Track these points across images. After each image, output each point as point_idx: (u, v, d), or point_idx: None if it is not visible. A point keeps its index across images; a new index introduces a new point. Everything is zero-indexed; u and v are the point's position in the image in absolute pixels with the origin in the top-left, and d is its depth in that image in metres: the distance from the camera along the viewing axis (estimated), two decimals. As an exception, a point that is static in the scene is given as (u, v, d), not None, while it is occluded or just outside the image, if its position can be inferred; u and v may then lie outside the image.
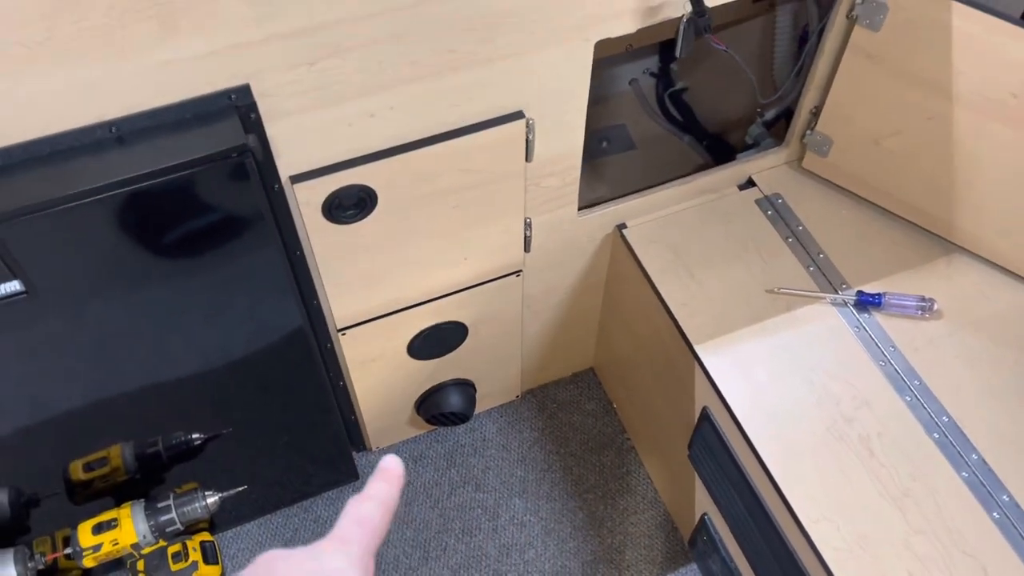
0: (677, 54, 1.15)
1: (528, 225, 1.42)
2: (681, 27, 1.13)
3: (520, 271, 1.50)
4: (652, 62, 1.98)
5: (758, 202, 1.54)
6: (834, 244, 1.47)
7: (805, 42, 1.56)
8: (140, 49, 0.91)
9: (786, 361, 1.34)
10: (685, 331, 1.37)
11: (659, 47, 1.94)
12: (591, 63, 1.19)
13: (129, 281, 1.13)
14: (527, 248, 1.46)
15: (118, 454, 1.44)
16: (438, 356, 1.60)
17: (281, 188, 1.14)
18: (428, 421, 1.72)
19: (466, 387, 1.72)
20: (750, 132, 1.68)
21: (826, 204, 1.52)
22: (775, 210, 1.52)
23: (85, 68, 0.91)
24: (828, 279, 1.43)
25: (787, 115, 1.63)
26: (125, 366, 1.28)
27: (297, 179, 1.13)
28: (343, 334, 1.44)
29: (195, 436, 1.48)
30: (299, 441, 1.62)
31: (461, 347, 1.61)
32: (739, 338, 1.37)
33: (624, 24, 1.16)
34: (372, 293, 1.38)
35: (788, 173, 1.57)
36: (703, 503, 1.54)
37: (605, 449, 1.82)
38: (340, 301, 1.36)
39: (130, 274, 1.12)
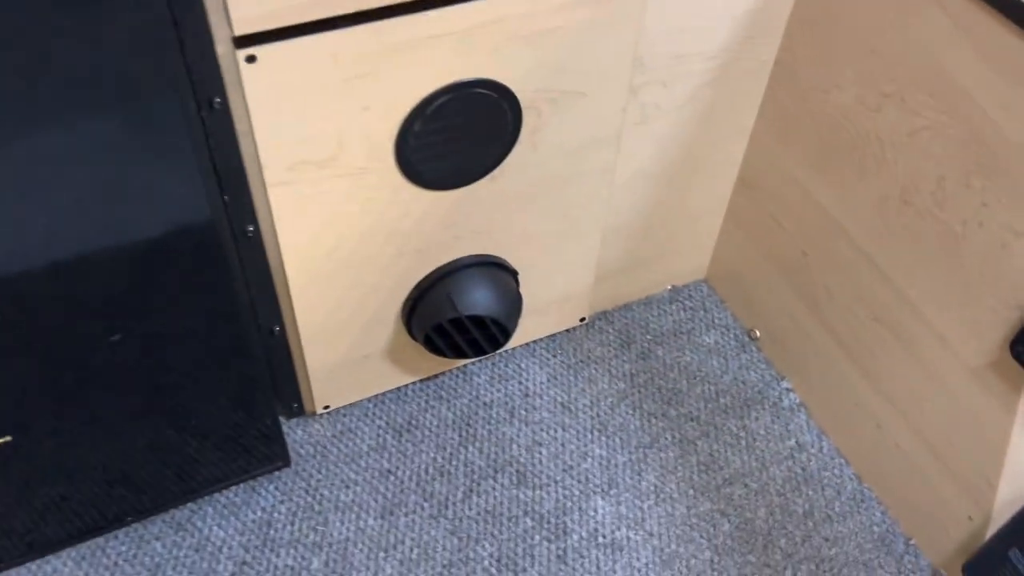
0: None
1: None
2: None
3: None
4: None
5: None
6: None
7: None
8: None
9: None
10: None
11: None
12: None
13: None
14: None
15: None
16: (457, 181, 0.78)
17: None
18: (429, 345, 0.88)
19: (501, 276, 0.89)
20: None
21: None
22: None
23: None
24: None
25: None
26: None
27: None
28: (250, 59, 0.61)
29: None
30: (177, 398, 0.77)
31: (502, 170, 0.79)
32: None
33: None
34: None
35: None
36: (1033, 474, 0.72)
37: (750, 409, 1.00)
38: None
39: None
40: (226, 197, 0.72)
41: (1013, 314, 0.70)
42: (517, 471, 0.93)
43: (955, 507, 0.82)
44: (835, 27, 0.80)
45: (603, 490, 0.92)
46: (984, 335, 0.73)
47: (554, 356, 1.03)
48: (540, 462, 0.94)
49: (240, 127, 0.67)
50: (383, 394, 0.98)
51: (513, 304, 0.89)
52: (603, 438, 0.96)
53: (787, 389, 1.01)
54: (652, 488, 0.92)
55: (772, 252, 0.99)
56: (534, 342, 1.04)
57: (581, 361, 1.03)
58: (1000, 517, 0.77)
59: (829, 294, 0.91)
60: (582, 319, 1.05)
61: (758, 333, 1.05)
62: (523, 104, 0.75)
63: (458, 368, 1.01)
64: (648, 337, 1.06)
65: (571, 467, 0.94)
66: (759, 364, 1.04)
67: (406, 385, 0.99)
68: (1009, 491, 0.76)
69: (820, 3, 0.81)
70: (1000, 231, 0.69)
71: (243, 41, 0.60)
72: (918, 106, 0.74)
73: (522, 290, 0.94)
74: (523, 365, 1.02)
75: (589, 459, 0.95)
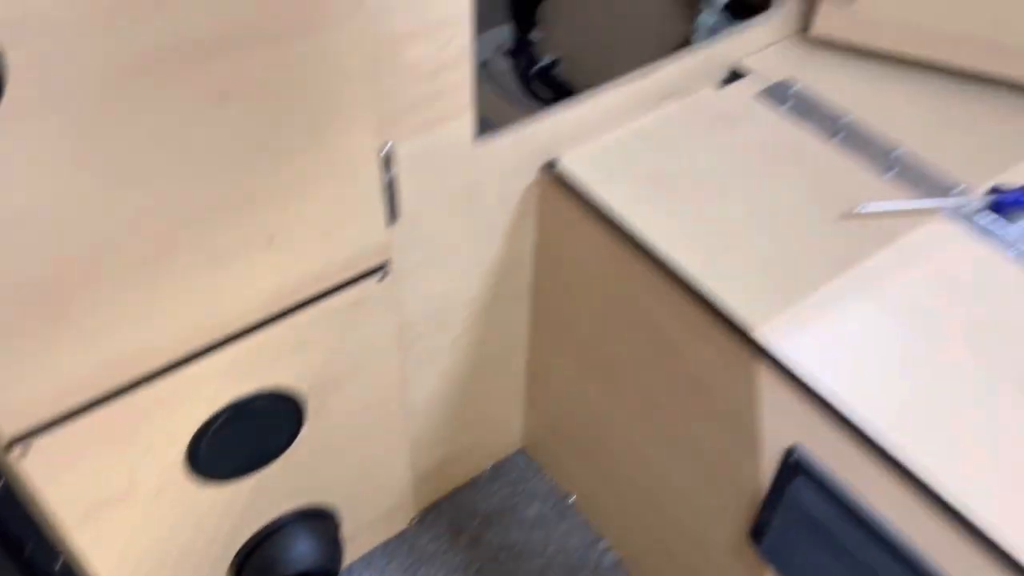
0: None
1: (389, 158, 0.72)
2: None
3: (385, 266, 0.79)
4: (503, 34, 1.48)
5: (761, 96, 0.92)
6: (910, 131, 0.87)
7: None
8: None
9: (919, 324, 0.70)
10: (727, 309, 0.70)
11: (512, 12, 1.43)
12: None
13: None
14: (393, 214, 0.76)
15: None
16: (253, 468, 0.84)
17: None
18: (260, 600, 0.92)
19: (319, 522, 0.95)
20: (699, 23, 1.08)
21: (871, 78, 0.93)
22: (795, 101, 0.91)
23: None
24: (926, 182, 0.82)
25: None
26: None
27: None
28: (22, 453, 0.65)
29: None
30: None
31: (296, 444, 0.85)
32: (821, 304, 0.71)
33: None
34: (73, 341, 0.62)
35: (792, 50, 0.97)
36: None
37: (575, 576, 1.09)
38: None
39: None
40: (28, 544, 0.75)
41: (748, 510, 0.82)
42: None
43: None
44: (571, 276, 0.91)
45: None
46: (730, 523, 0.85)
47: (389, 562, 1.10)
48: None
49: (28, 489, 0.70)
50: (228, 642, 1.01)
51: (334, 544, 0.95)
52: (445, 638, 1.03)
53: (605, 549, 1.11)
54: None
55: (568, 431, 1.09)
56: (369, 554, 1.10)
57: (416, 561, 1.10)
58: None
59: (618, 470, 1.02)
60: (411, 520, 1.12)
61: (574, 497, 1.16)
62: (303, 395, 0.82)
63: (300, 595, 1.06)
64: (476, 522, 1.14)
65: (418, 677, 1.00)
66: (579, 528, 1.13)
67: (250, 629, 1.03)
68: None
69: (553, 264, 0.92)
70: (725, 443, 0.82)
71: (13, 441, 0.65)
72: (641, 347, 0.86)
73: (346, 515, 1.00)
74: (361, 579, 1.08)
75: (434, 664, 1.01)
